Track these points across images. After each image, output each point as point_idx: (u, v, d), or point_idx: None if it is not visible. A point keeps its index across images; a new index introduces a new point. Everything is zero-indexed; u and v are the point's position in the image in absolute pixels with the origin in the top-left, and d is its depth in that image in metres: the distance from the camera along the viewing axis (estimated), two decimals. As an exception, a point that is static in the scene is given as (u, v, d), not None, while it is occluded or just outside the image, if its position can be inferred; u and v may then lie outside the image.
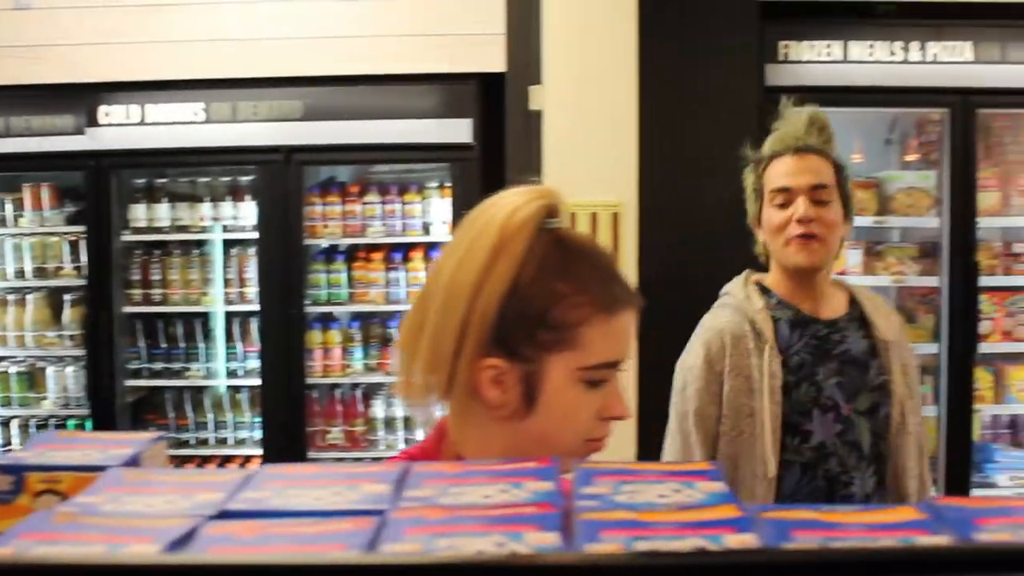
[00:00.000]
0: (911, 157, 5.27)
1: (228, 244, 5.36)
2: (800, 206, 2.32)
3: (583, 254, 1.28)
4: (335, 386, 5.30)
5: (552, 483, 0.70)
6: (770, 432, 2.30)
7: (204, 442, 5.34)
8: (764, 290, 2.47)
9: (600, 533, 0.60)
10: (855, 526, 0.63)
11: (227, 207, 5.28)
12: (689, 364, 2.45)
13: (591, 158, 4.17)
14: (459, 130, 4.83)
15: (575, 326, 1.24)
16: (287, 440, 5.07)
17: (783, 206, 2.36)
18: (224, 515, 0.67)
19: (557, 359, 1.24)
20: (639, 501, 0.67)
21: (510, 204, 1.25)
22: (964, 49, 4.81)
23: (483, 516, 0.64)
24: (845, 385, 2.36)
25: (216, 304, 5.35)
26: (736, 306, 2.44)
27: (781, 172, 2.38)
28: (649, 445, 4.15)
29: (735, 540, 0.58)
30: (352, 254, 5.29)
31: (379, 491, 0.70)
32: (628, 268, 4.14)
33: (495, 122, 4.74)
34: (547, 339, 1.23)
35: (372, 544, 0.59)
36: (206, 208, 5.28)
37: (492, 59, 4.70)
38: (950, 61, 4.81)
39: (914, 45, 4.80)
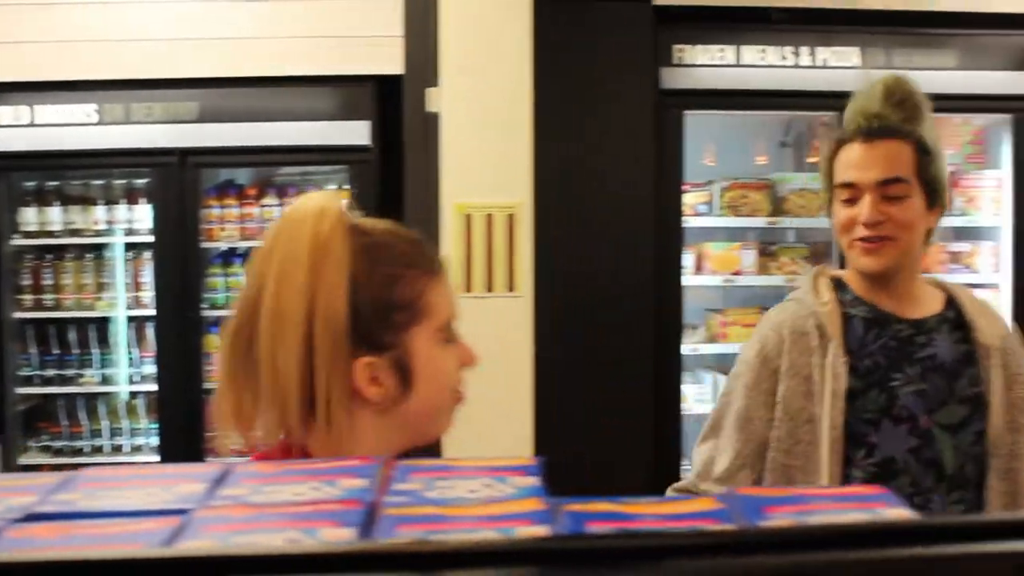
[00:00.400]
0: (814, 159, 5.37)
1: (124, 247, 5.27)
2: (864, 208, 2.01)
3: (391, 234, 1.34)
4: (234, 391, 5.23)
5: (367, 480, 0.71)
6: (829, 442, 2.02)
7: (99, 450, 5.24)
8: (841, 285, 2.16)
9: (397, 528, 0.61)
10: (650, 516, 0.65)
11: (122, 210, 5.19)
12: (742, 358, 2.19)
13: (487, 159, 4.19)
14: (357, 132, 4.82)
15: (420, 297, 1.31)
16: (185, 446, 5.00)
17: (849, 202, 2.04)
18: (30, 518, 0.66)
19: (416, 332, 1.31)
20: (449, 496, 0.68)
21: (311, 213, 1.25)
22: (852, 55, 4.94)
23: (287, 513, 0.64)
24: (927, 394, 2.05)
25: (117, 309, 5.25)
26: (802, 300, 2.16)
27: (847, 163, 2.06)
28: (547, 438, 4.21)
29: (526, 532, 0.60)
30: (250, 257, 5.22)
31: (193, 491, 0.70)
32: (524, 268, 4.16)
33: (393, 124, 4.73)
34: (403, 319, 1.29)
35: (168, 542, 0.59)
36: (100, 211, 5.19)
37: (390, 61, 4.69)
38: (839, 66, 4.93)
39: (804, 50, 4.91)
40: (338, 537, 0.59)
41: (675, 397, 4.80)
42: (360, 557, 0.47)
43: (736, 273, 5.11)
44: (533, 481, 0.72)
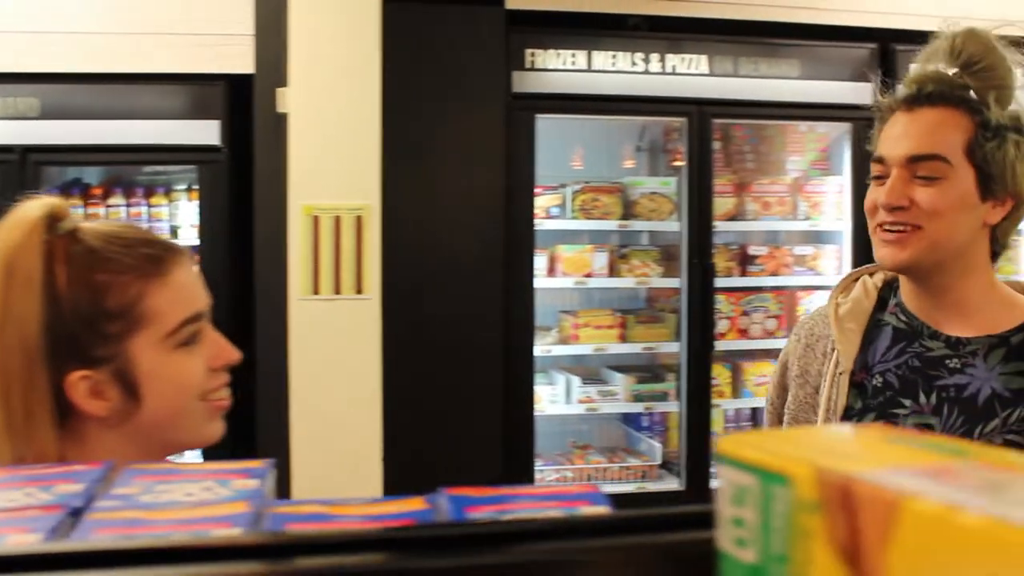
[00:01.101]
0: (679, 163, 5.45)
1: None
2: (884, 187, 1.65)
3: (108, 238, 1.26)
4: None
5: (85, 485, 0.71)
6: None
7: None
8: (897, 287, 1.80)
9: (94, 531, 0.61)
10: (353, 517, 0.66)
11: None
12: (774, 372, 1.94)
13: (336, 161, 4.16)
14: (206, 132, 4.72)
15: (137, 304, 1.23)
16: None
17: (878, 180, 1.68)
18: None
19: (137, 341, 1.23)
20: (162, 500, 0.68)
21: (5, 225, 1.21)
22: (700, 62, 5.07)
23: (-19, 521, 0.64)
24: (935, 431, 1.63)
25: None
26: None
27: (885, 134, 1.70)
28: (396, 439, 4.21)
29: (220, 534, 0.61)
30: None
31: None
32: (372, 270, 4.15)
33: (245, 124, 4.67)
34: (116, 329, 1.22)
35: None
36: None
37: (241, 60, 4.63)
38: (687, 73, 5.05)
39: (654, 57, 5.02)
40: (23, 542, 0.59)
41: (528, 398, 4.85)
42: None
43: (588, 275, 5.19)
44: (254, 484, 0.73)
